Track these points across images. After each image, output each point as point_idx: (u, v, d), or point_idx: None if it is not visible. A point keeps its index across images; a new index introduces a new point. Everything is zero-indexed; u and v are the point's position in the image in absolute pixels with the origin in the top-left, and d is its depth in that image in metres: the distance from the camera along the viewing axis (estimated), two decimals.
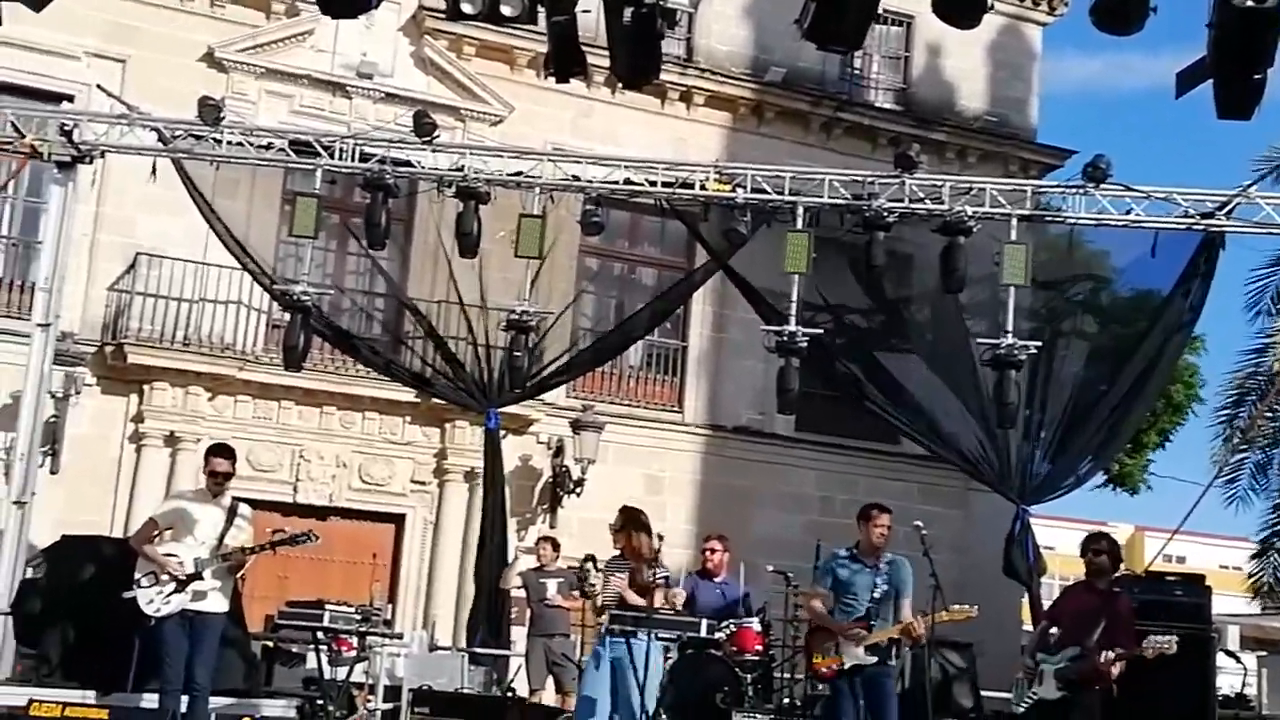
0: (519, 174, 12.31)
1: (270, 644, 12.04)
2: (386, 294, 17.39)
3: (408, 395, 17.13)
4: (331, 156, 12.18)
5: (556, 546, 12.99)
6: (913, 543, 9.17)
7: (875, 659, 8.75)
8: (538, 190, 12.21)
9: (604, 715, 8.69)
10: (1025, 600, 15.43)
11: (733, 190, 12.07)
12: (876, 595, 8.83)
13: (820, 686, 10.26)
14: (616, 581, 8.92)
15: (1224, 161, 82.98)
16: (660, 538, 9.65)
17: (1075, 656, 8.60)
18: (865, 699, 8.75)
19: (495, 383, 14.27)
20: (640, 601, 8.69)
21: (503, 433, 14.93)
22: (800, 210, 11.79)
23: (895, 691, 8.86)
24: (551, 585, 12.49)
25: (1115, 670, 8.37)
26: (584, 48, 7.99)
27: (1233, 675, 12.49)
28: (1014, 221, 11.67)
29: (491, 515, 14.10)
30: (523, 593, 12.93)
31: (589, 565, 9.09)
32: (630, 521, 9.07)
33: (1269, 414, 15.89)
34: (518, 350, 12.50)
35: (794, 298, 11.82)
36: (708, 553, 11.33)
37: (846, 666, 8.77)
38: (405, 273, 17.77)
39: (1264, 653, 21.16)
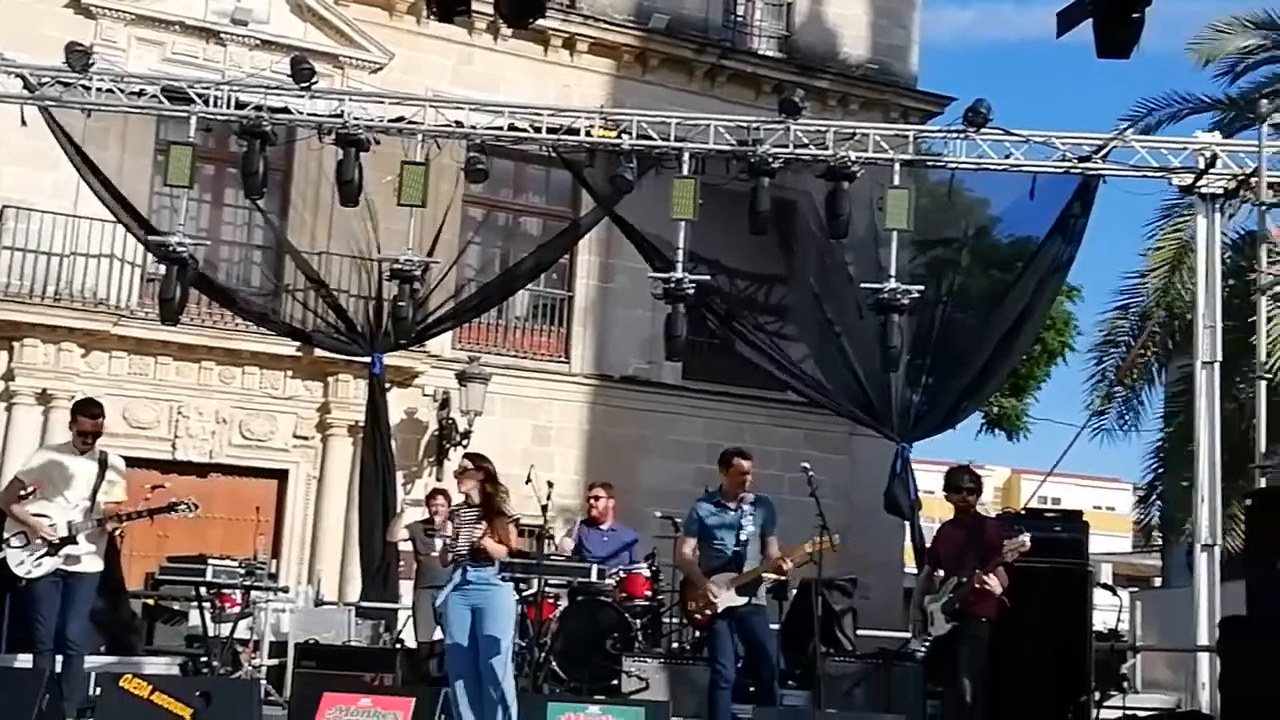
0: (400, 120, 12.10)
1: (151, 602, 11.81)
2: (265, 245, 17.06)
3: (289, 349, 16.85)
4: (206, 104, 11.86)
5: (449, 500, 12.83)
6: (800, 486, 9.24)
7: (745, 599, 8.82)
8: (420, 137, 12.02)
9: (470, 661, 8.57)
10: (908, 543, 15.71)
11: (618, 136, 12.00)
12: (743, 537, 8.86)
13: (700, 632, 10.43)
14: (464, 527, 8.73)
15: (1099, 111, 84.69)
16: (550, 485, 9.62)
17: (956, 588, 8.78)
18: (741, 638, 8.84)
19: (379, 332, 14.05)
20: (502, 549, 8.54)
21: (387, 385, 14.74)
22: (686, 156, 11.78)
23: (769, 627, 8.93)
24: (439, 542, 12.34)
25: (993, 581, 8.53)
26: None
27: (1107, 612, 12.81)
28: (896, 166, 11.78)
29: (377, 465, 13.88)
30: (410, 545, 12.79)
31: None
32: (486, 471, 8.86)
33: (1141, 355, 16.28)
34: (402, 300, 12.33)
35: (680, 244, 11.83)
36: (592, 500, 11.35)
37: (720, 610, 8.81)
38: (284, 223, 17.40)
39: (1135, 588, 21.86)
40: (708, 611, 8.87)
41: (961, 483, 9.13)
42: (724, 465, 9.08)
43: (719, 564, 8.90)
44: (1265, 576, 8.26)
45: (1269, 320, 10.93)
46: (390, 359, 14.55)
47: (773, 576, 8.97)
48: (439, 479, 17.58)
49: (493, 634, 8.47)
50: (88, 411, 8.82)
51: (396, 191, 11.92)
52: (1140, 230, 16.89)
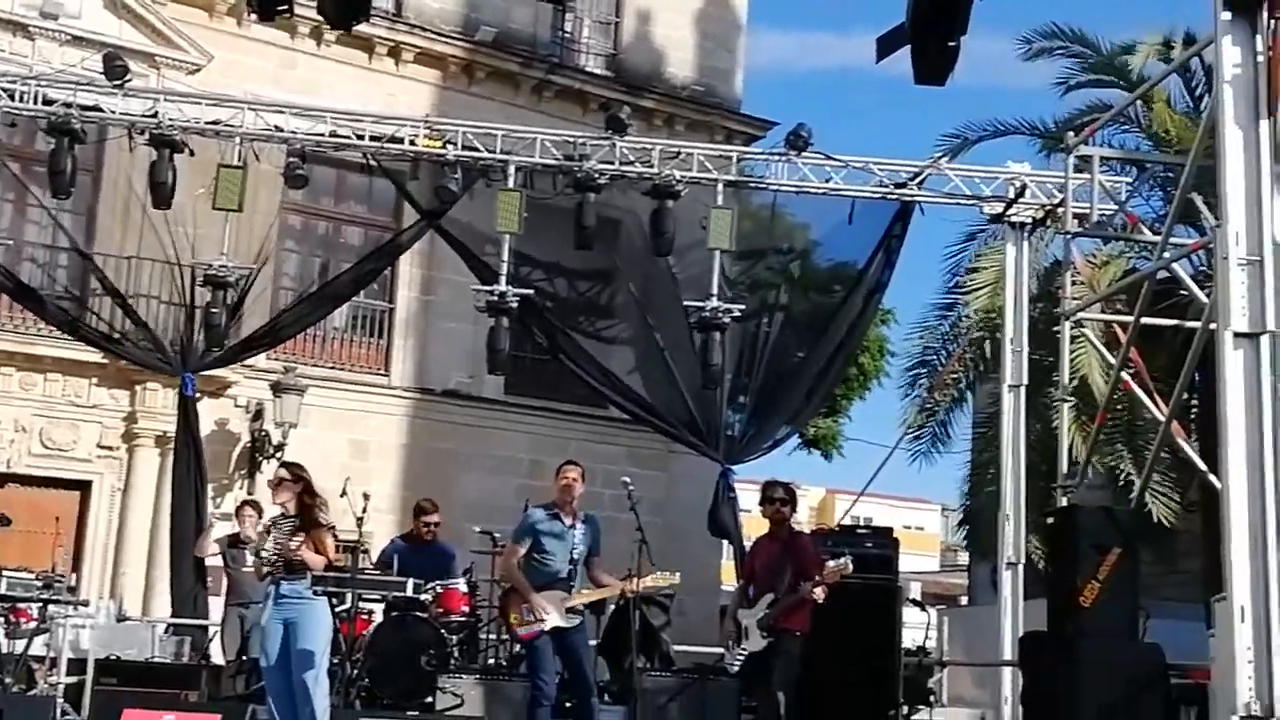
0: (217, 122, 11.81)
1: None
2: (71, 248, 16.42)
3: (95, 356, 16.23)
4: (11, 99, 11.43)
5: (260, 512, 12.49)
6: (620, 503, 9.25)
7: (577, 621, 8.85)
8: (238, 140, 11.78)
9: (283, 677, 8.38)
10: (727, 560, 15.86)
11: (443, 147, 11.92)
12: (575, 556, 8.89)
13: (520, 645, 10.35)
14: (279, 538, 8.54)
15: (914, 139, 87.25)
16: (366, 497, 9.44)
17: (771, 603, 8.88)
18: (561, 655, 8.82)
19: (192, 345, 13.58)
20: (320, 559, 8.37)
21: (198, 395, 14.30)
22: (512, 169, 11.78)
23: (589, 643, 8.97)
24: (248, 557, 12.01)
25: (816, 594, 8.65)
26: None
27: (916, 629, 13.10)
28: (720, 186, 11.95)
29: (186, 484, 13.41)
30: (219, 560, 12.39)
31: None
32: (303, 481, 8.67)
33: (953, 375, 16.75)
34: (215, 308, 12.05)
35: (505, 257, 11.81)
36: (424, 523, 11.12)
37: (549, 628, 8.79)
38: (93, 225, 16.80)
39: (943, 606, 22.48)
40: (535, 628, 8.81)
41: (775, 494, 9.26)
42: (556, 475, 9.11)
43: (546, 578, 8.86)
44: (1064, 592, 8.54)
45: (1072, 345, 11.30)
46: None
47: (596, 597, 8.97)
48: (250, 492, 17.13)
49: (306, 648, 8.28)
50: None
51: (212, 195, 11.64)
52: (940, 255, 17.42)
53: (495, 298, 11.67)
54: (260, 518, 12.28)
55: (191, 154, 11.91)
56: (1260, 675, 7.00)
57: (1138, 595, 8.63)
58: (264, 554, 8.55)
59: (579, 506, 9.02)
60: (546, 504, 9.11)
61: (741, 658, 9.06)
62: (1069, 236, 10.90)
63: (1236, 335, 7.38)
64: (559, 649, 8.81)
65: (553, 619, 8.77)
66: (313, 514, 8.43)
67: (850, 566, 8.68)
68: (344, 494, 9.97)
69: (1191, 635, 9.83)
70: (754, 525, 13.97)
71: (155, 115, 11.47)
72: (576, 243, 12.06)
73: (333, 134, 12.04)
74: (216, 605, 12.72)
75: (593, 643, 9.62)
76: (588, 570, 8.90)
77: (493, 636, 11.40)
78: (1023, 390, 11.65)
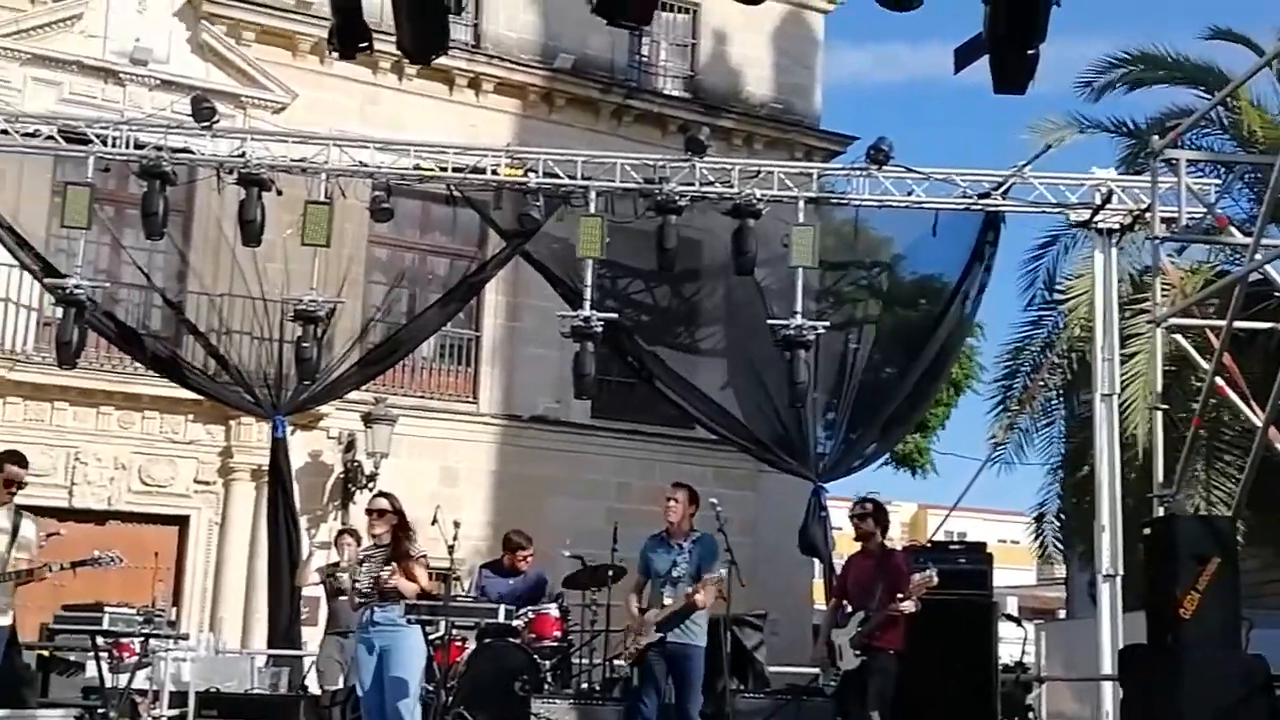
0: (303, 160, 12.00)
1: (46, 653, 11.47)
2: (165, 288, 16.74)
3: (190, 393, 16.55)
4: (104, 144, 11.72)
5: (359, 540, 12.64)
6: (710, 524, 9.27)
7: (659, 635, 8.90)
8: (324, 177, 11.95)
9: (377, 704, 8.52)
10: (818, 579, 15.75)
11: (525, 175, 12.02)
12: (675, 574, 8.98)
13: (618, 670, 10.44)
14: (372, 568, 8.70)
15: (995, 147, 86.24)
16: (456, 525, 9.53)
17: (863, 621, 8.82)
18: (671, 675, 8.91)
19: (282, 386, 13.72)
20: (413, 586, 8.54)
21: (291, 429, 14.50)
22: (593, 194, 11.84)
23: (699, 665, 8.92)
24: (348, 581, 12.12)
25: (908, 608, 8.57)
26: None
27: (1013, 644, 12.93)
28: (801, 204, 11.91)
29: (279, 522, 13.56)
30: (318, 589, 12.52)
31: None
32: (399, 512, 8.84)
33: (1041, 384, 16.55)
34: (306, 342, 12.21)
35: (588, 282, 11.85)
36: (520, 556, 11.19)
37: (641, 646, 8.95)
38: (186, 266, 17.14)
39: (1040, 620, 22.13)
40: (632, 649, 9.02)
41: (863, 511, 9.21)
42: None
43: (651, 600, 9.04)
44: (1164, 604, 8.38)
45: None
46: None
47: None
48: (345, 522, 17.34)
49: (400, 675, 8.40)
50: (16, 461, 8.58)
51: (300, 231, 11.83)
52: (1018, 264, 17.29)
53: (580, 322, 11.71)
54: (359, 545, 12.44)
55: (279, 193, 12.11)
56: None
57: (1239, 605, 8.44)
58: (358, 584, 8.71)
59: (692, 527, 9.13)
60: (659, 531, 9.28)
61: (837, 679, 9.00)
62: (1158, 241, 10.75)
63: None
64: (670, 670, 8.90)
65: (645, 638, 8.87)
66: (403, 545, 8.58)
67: (936, 578, 8.59)
68: (435, 522, 10.04)
69: None
70: (845, 544, 13.89)
71: (243, 155, 11.68)
72: (659, 264, 12.08)
73: (416, 167, 12.19)
74: (312, 636, 12.88)
75: None
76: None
77: (585, 661, 11.43)
78: (1115, 399, 11.48)
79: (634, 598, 9.22)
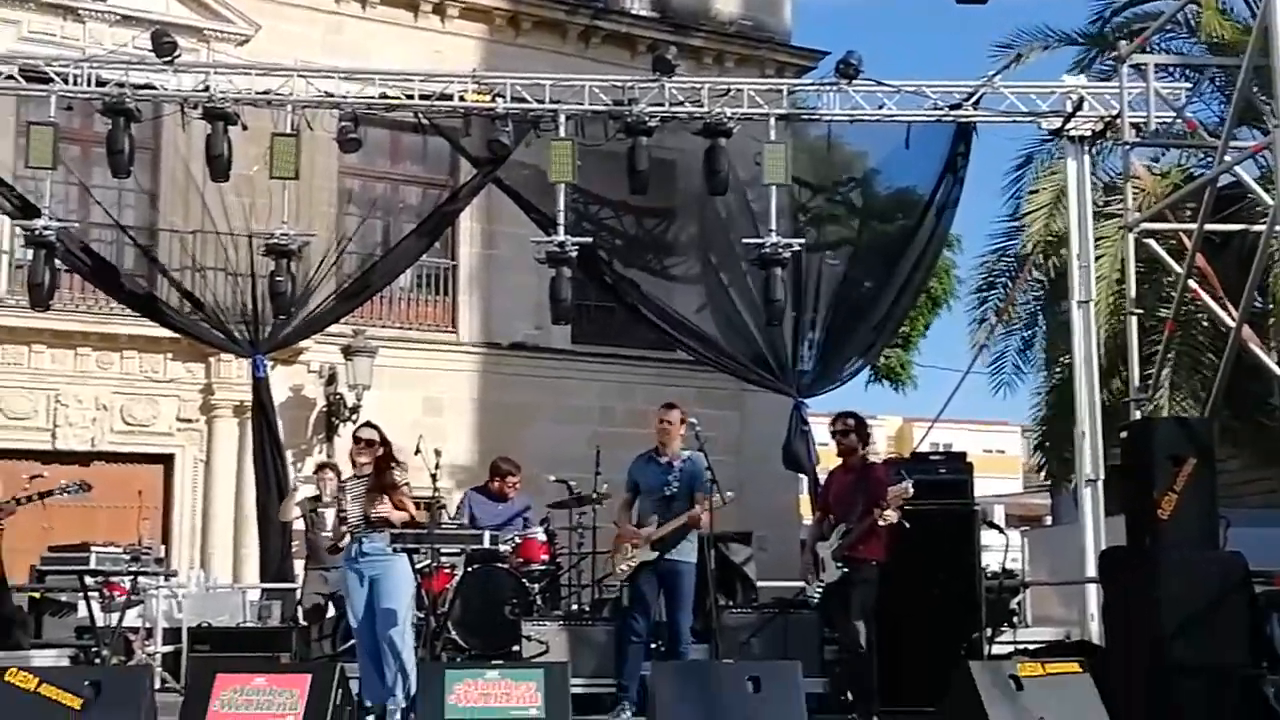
0: (268, 92, 11.85)
1: (37, 595, 11.51)
2: (138, 226, 16.59)
3: (168, 331, 16.48)
4: (65, 82, 11.53)
5: (339, 474, 12.66)
6: (691, 444, 9.32)
7: (656, 554, 8.99)
8: (290, 109, 11.79)
9: (369, 633, 8.61)
10: (804, 495, 15.82)
11: (493, 100, 11.90)
12: (667, 493, 9.08)
13: (606, 591, 10.54)
14: (359, 498, 8.76)
15: (965, 58, 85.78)
16: (438, 453, 9.57)
17: (844, 533, 8.90)
18: (663, 592, 9.04)
19: (259, 322, 13.59)
20: (402, 514, 8.61)
21: (271, 364, 14.44)
22: (563, 118, 11.72)
23: (688, 579, 9.00)
24: (330, 515, 12.18)
25: (891, 515, 8.64)
26: None
27: (999, 552, 13.06)
28: (772, 121, 11.80)
29: (263, 459, 13.49)
30: (302, 524, 12.58)
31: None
32: (386, 441, 8.91)
33: (1021, 294, 16.61)
34: (280, 276, 12.11)
35: (561, 207, 11.79)
36: (509, 483, 11.27)
37: (635, 564, 9.05)
38: (156, 204, 17.02)
39: (1027, 528, 22.36)
40: (623, 566, 9.10)
41: (845, 426, 9.27)
42: (654, 419, 9.36)
43: (646, 519, 9.12)
44: (1142, 506, 8.46)
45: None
46: None
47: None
48: (330, 455, 17.39)
49: (389, 605, 8.48)
50: None
51: (268, 165, 11.72)
52: (1003, 175, 17.26)
53: (555, 247, 11.65)
54: (339, 479, 12.47)
55: (244, 127, 11.98)
56: None
57: (1216, 504, 8.53)
58: (344, 514, 8.76)
59: (684, 447, 9.20)
60: (648, 449, 9.36)
61: (821, 590, 9.10)
62: (1128, 147, 10.73)
63: None
64: (662, 587, 9.02)
65: (639, 554, 8.99)
66: (390, 475, 8.63)
67: (911, 489, 8.65)
68: (418, 451, 10.06)
69: (1276, 540, 9.73)
70: (829, 458, 13.97)
71: (207, 89, 11.51)
72: (631, 187, 12.00)
73: (383, 95, 12.06)
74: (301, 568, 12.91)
75: None
76: (691, 507, 9.00)
77: (574, 583, 11.53)
78: (1092, 306, 11.52)
79: (625, 514, 9.31)
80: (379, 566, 8.61)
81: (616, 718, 8.66)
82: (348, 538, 8.79)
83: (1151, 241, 10.91)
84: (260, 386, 13.42)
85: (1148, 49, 11.09)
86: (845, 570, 8.84)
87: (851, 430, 9.29)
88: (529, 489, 11.78)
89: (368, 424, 9.22)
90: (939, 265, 23.44)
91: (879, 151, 13.35)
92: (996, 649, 10.25)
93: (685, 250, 14.11)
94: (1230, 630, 7.95)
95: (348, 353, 17.76)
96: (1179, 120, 10.74)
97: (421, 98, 11.96)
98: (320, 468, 12.47)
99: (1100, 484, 11.26)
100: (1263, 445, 16.38)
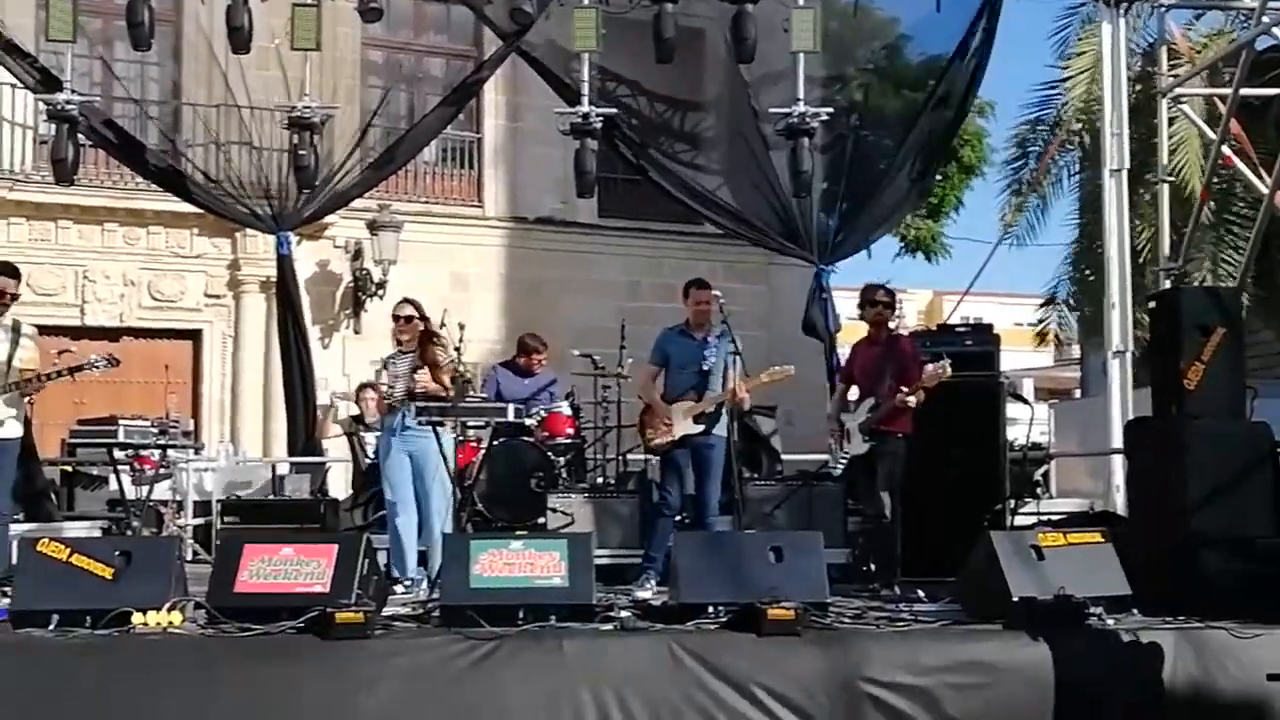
0: None
1: (69, 469, 11.66)
2: (161, 100, 16.50)
3: (194, 207, 16.44)
4: None
5: (380, 395, 12.56)
6: (716, 318, 9.26)
7: (702, 428, 8.95)
8: None
9: (413, 509, 8.74)
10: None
11: None
12: (705, 368, 9.03)
13: (630, 465, 10.57)
14: (401, 373, 8.83)
15: None
16: (461, 327, 9.56)
17: (873, 407, 8.88)
18: (693, 465, 9.02)
19: (284, 197, 13.48)
20: (436, 387, 8.66)
21: (297, 240, 14.38)
22: None
23: (720, 453, 9.00)
24: (371, 438, 12.17)
25: (913, 401, 8.63)
26: None
27: (1026, 425, 13.02)
28: None
29: (293, 344, 13.43)
30: (344, 440, 12.39)
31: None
32: (425, 317, 8.99)
33: (1051, 163, 16.36)
34: (303, 149, 12.00)
35: (585, 77, 11.60)
36: (536, 359, 11.28)
37: (676, 437, 8.99)
38: (179, 76, 16.86)
39: (1055, 400, 22.32)
40: (664, 440, 9.05)
41: (875, 297, 9.19)
42: (685, 296, 9.25)
43: (678, 392, 9.08)
44: (1168, 376, 8.38)
45: (1170, 124, 10.91)
46: None
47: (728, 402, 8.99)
48: (357, 330, 17.48)
49: (432, 480, 8.60)
50: (6, 273, 8.55)
51: (289, 36, 11.56)
52: (1043, 43, 16.89)
53: (579, 119, 11.47)
54: (381, 399, 12.37)
55: None
56: None
57: (1244, 374, 8.43)
58: (383, 387, 8.83)
59: (715, 323, 9.13)
60: (681, 323, 9.29)
61: (845, 460, 9.11)
62: (1164, 9, 10.45)
63: None
64: (694, 461, 9.00)
65: (679, 428, 8.97)
66: (432, 350, 8.68)
67: (949, 370, 8.59)
68: (443, 325, 10.05)
69: None
70: (853, 332, 13.88)
71: None
72: (658, 56, 11.76)
73: None
74: (331, 445, 12.98)
75: None
76: (725, 382, 8.94)
77: (599, 456, 11.58)
78: (1124, 175, 11.31)
79: (653, 387, 9.26)
80: (420, 442, 8.70)
81: (641, 587, 8.74)
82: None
83: (1186, 108, 10.66)
84: (284, 264, 13.36)
85: None
86: (872, 444, 8.84)
87: (880, 302, 9.22)
88: (554, 363, 11.79)
89: (406, 300, 9.27)
90: (972, 132, 23.13)
91: (910, 16, 13.14)
92: (1020, 520, 10.26)
93: (711, 120, 13.91)
94: (1255, 501, 7.91)
95: (373, 228, 17.70)
96: None
97: None
98: (362, 387, 12.41)
99: (1128, 355, 11.18)
100: None
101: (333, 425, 12.24)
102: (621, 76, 13.18)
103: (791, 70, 11.74)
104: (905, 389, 8.64)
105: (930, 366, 8.61)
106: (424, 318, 8.98)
